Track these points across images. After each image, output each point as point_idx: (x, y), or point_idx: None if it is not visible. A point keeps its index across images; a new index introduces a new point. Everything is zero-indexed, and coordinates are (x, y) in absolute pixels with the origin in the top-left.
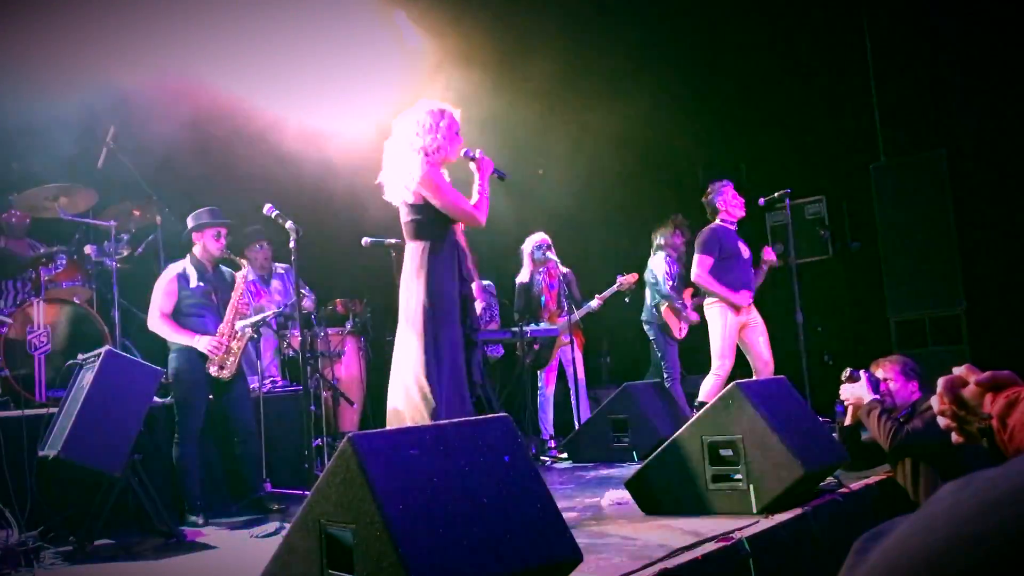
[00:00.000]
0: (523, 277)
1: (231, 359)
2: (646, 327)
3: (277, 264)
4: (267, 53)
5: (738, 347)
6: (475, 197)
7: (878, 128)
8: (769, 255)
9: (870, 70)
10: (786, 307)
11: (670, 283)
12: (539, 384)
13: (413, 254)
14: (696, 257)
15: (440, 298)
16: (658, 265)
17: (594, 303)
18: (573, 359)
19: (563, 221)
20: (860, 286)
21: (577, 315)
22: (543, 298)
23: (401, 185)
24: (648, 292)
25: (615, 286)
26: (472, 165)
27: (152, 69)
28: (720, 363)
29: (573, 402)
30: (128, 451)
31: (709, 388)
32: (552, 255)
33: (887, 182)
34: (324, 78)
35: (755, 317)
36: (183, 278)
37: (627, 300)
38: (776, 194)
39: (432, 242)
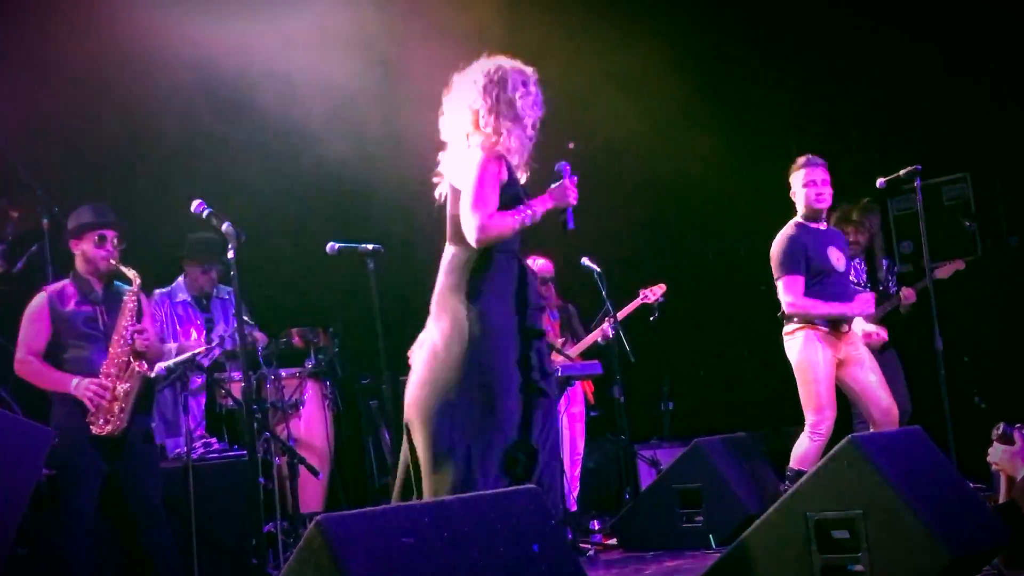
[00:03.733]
0: None
1: (117, 407)
2: None
3: (222, 287)
4: None
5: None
6: (509, 215)
7: None
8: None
9: None
10: (920, 329)
11: None
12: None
13: (453, 264)
14: (782, 280)
15: (491, 330)
16: None
17: (607, 329)
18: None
19: (593, 214)
20: (1022, 298)
21: (581, 347)
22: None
23: (456, 169)
24: None
25: (637, 300)
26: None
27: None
28: (816, 418)
29: (567, 459)
30: (7, 543)
31: (803, 452)
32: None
33: None
34: (283, 19)
35: (858, 348)
36: (56, 301)
37: (652, 319)
38: (902, 172)
39: (484, 249)
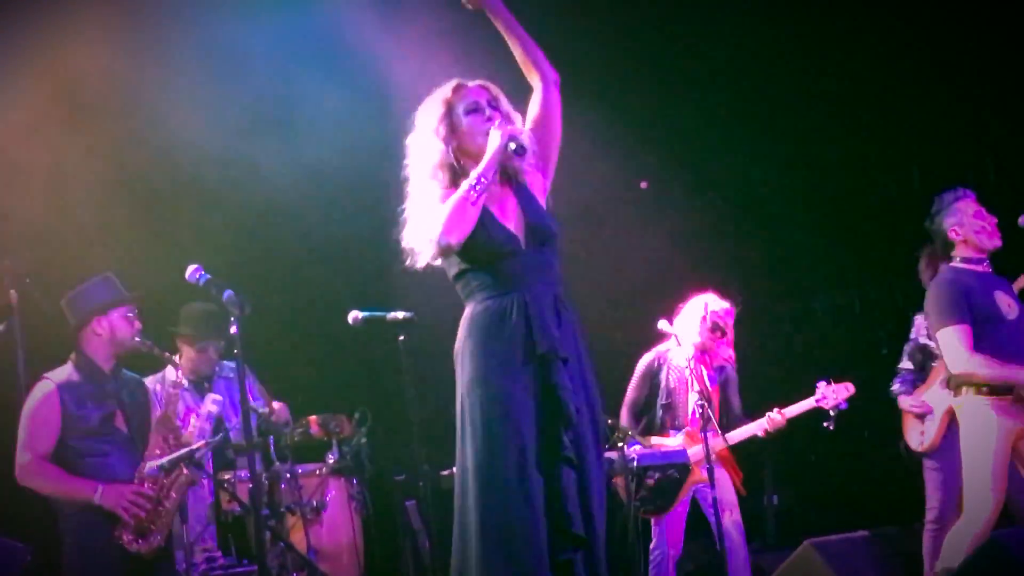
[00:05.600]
0: (678, 355)
1: (161, 521)
2: None
3: (226, 364)
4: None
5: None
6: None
7: None
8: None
9: None
10: None
11: (904, 365)
12: (652, 544)
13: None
14: (945, 331)
15: (486, 389)
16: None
17: (767, 422)
18: (718, 505)
19: (669, 269)
20: None
21: (737, 436)
22: (688, 403)
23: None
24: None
25: (811, 400)
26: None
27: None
28: (983, 498)
29: None
30: None
31: (963, 543)
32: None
33: None
34: (284, 58)
35: None
36: (68, 393)
37: (825, 426)
38: None
39: (475, 302)
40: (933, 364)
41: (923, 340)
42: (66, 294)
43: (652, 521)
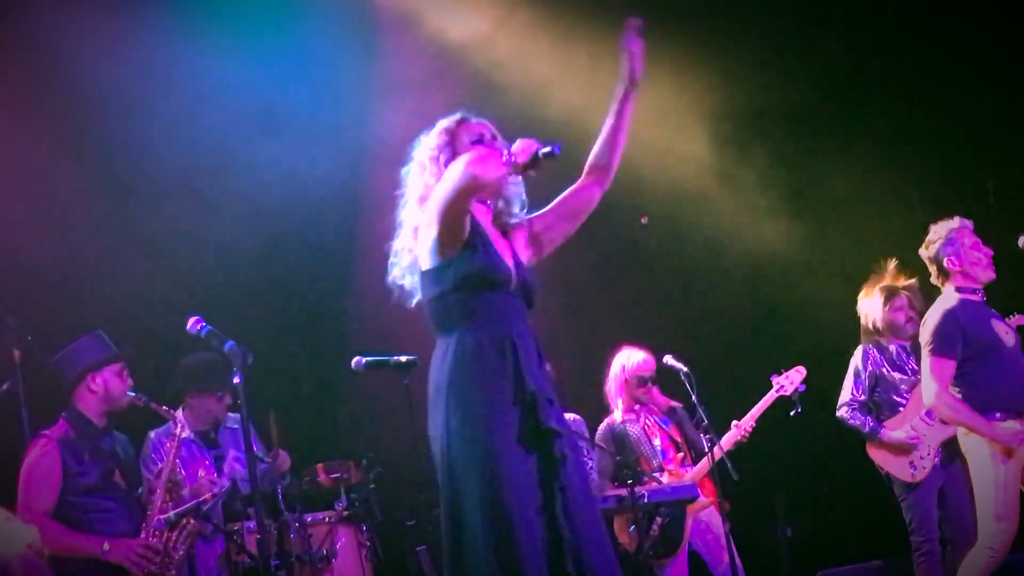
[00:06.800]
0: (619, 416)
1: (170, 573)
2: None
3: (228, 415)
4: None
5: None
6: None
7: None
8: None
9: None
10: None
11: (859, 397)
12: None
13: (436, 358)
14: (927, 361)
15: (488, 425)
16: (854, 364)
17: (737, 432)
18: (716, 538)
19: (679, 302)
20: None
21: (704, 467)
22: (655, 447)
23: (407, 246)
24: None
25: (771, 393)
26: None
27: None
28: (994, 528)
29: None
30: None
31: (976, 571)
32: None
33: None
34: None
35: None
36: (67, 449)
37: (794, 414)
38: None
39: (461, 331)
40: (877, 393)
41: (885, 369)
42: (57, 353)
43: (658, 568)
